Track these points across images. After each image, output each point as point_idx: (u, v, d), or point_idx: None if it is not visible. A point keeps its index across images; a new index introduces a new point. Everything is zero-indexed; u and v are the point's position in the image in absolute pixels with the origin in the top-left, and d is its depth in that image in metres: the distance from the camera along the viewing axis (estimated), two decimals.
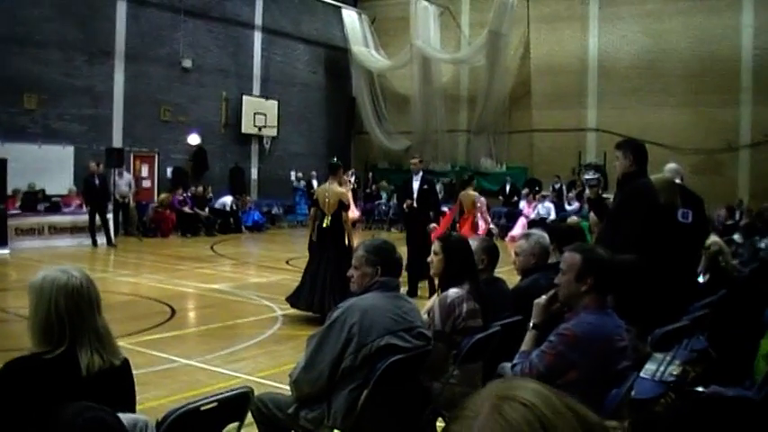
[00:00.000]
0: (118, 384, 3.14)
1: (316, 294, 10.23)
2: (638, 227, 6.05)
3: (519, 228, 23.77)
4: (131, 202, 21.70)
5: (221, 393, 3.23)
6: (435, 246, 5.04)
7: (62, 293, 2.92)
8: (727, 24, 23.70)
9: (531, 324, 4.19)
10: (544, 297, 4.15)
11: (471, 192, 13.97)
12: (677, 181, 7.66)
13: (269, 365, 8.02)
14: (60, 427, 2.46)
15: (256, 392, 3.71)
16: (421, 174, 13.08)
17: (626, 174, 6.33)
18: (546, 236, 5.89)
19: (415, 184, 13.06)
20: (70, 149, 21.38)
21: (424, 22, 28.03)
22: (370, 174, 29.77)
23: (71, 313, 2.93)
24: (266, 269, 16.26)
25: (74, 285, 2.95)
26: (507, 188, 26.37)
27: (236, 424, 3.30)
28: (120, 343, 8.41)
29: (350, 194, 12.83)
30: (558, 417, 1.02)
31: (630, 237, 5.99)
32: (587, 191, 6.80)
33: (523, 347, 4.14)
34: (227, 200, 24.41)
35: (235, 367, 7.85)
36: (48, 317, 2.93)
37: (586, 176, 6.43)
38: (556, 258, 6.00)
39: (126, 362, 3.26)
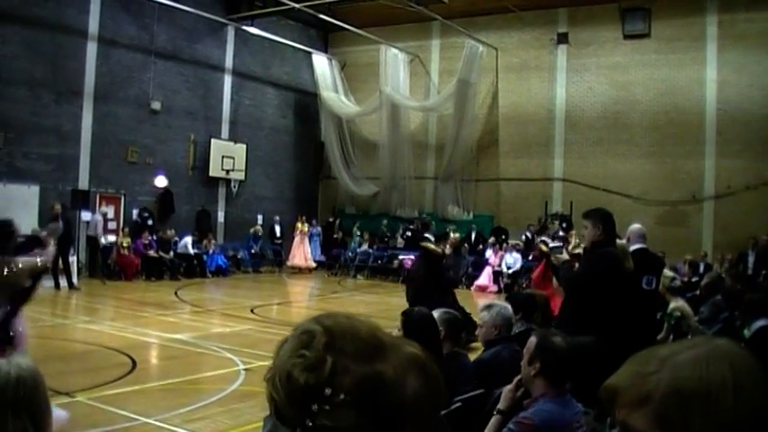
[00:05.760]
0: None
1: None
2: (604, 296, 6.12)
3: (485, 277, 23.81)
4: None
5: None
6: (401, 320, 5.02)
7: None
8: (691, 78, 24.13)
9: (497, 409, 4.16)
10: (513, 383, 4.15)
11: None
12: (640, 245, 7.76)
13: (229, 425, 7.92)
14: None
15: None
16: None
17: (595, 242, 6.41)
18: (508, 306, 5.90)
19: None
20: (35, 189, 21.13)
21: (394, 69, 28.27)
22: (338, 219, 29.71)
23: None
24: (230, 318, 16.08)
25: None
26: (473, 236, 26.29)
27: None
28: (79, 398, 8.35)
29: None
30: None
31: (596, 306, 6.05)
32: (552, 258, 6.90)
33: None
34: (188, 240, 24.09)
35: (194, 427, 7.75)
36: None
37: (552, 245, 6.52)
38: (517, 328, 6.04)
39: None
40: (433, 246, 13.45)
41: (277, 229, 27.54)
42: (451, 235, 15.87)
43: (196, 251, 24.27)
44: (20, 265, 6.96)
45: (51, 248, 8.10)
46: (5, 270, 6.80)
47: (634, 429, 1.20)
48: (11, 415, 2.37)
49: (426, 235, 14.08)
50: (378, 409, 1.22)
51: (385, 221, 28.21)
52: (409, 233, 27.47)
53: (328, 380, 1.21)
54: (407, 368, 1.25)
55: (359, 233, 27.68)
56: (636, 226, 8.17)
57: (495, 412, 4.16)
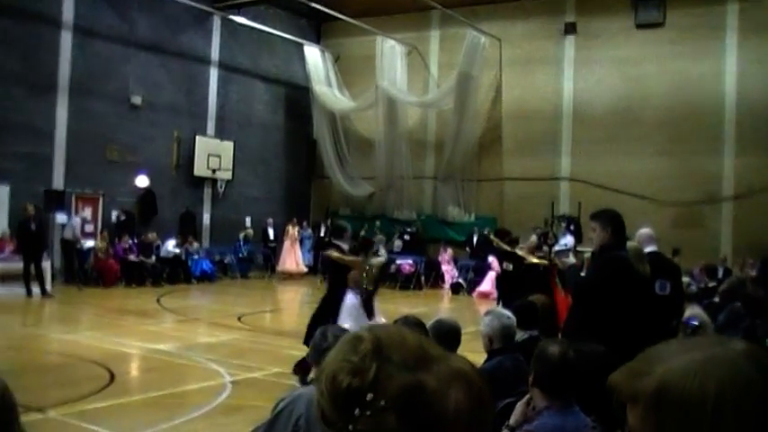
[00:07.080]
0: None
1: None
2: (613, 301, 6.13)
3: (488, 283, 23.69)
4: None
5: None
6: None
7: None
8: (708, 71, 24.10)
9: (507, 425, 4.16)
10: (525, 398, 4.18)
11: None
12: (652, 248, 7.77)
13: None
14: None
15: None
16: None
17: (603, 246, 6.42)
18: (505, 315, 5.86)
19: None
20: (5, 189, 21.09)
21: (391, 62, 28.26)
22: (330, 221, 29.66)
23: None
24: (216, 327, 16.05)
25: None
26: (475, 239, 26.22)
27: None
28: (52, 413, 8.33)
29: None
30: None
31: (605, 312, 6.05)
32: (557, 261, 6.92)
33: None
34: (170, 244, 24.10)
35: None
36: None
37: (557, 248, 6.55)
38: (519, 337, 6.03)
39: None
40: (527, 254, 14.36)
41: (270, 231, 27.50)
42: (532, 238, 16.35)
43: (179, 254, 24.22)
44: (374, 263, 11.25)
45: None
46: (368, 266, 10.92)
47: (630, 424, 1.28)
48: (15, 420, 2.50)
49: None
50: (418, 418, 1.30)
51: (378, 223, 28.03)
52: (407, 236, 27.46)
53: (371, 385, 1.31)
54: (451, 381, 1.33)
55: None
56: (645, 230, 8.19)
57: (504, 427, 4.16)
